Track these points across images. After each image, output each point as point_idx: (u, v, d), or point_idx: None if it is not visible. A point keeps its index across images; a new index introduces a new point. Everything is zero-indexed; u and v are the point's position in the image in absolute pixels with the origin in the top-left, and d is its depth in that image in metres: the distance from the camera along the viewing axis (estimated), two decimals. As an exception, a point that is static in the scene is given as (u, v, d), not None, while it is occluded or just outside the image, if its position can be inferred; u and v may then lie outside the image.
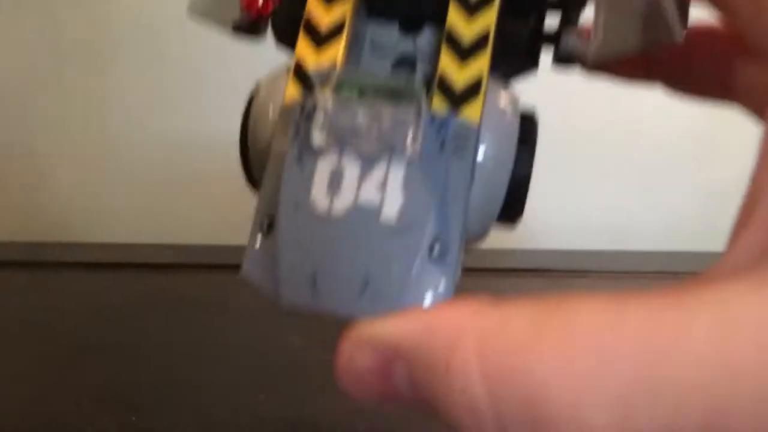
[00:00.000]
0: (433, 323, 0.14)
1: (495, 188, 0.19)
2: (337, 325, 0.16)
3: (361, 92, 0.18)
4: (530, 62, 0.21)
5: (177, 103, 0.49)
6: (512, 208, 0.19)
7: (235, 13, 0.22)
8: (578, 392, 0.11)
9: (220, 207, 0.47)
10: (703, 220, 0.56)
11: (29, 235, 0.47)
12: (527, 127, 0.19)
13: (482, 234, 0.19)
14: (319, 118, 0.18)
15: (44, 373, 0.33)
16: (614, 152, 0.57)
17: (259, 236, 0.18)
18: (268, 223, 0.18)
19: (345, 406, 0.29)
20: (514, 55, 0.20)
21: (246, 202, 0.20)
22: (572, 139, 0.54)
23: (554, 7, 0.21)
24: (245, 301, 0.29)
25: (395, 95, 0.18)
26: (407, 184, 0.17)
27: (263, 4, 0.21)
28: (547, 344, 0.12)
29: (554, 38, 0.20)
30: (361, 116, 0.18)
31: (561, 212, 0.58)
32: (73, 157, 0.49)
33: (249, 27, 0.22)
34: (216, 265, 0.44)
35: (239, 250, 0.18)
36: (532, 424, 0.11)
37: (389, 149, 0.18)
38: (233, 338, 0.36)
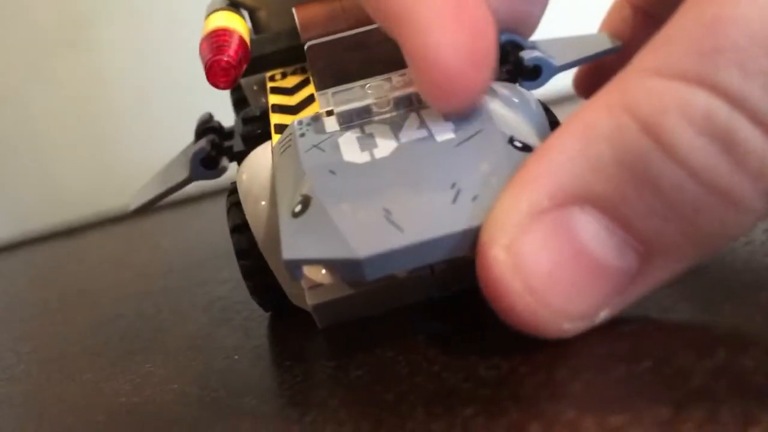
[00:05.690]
0: (589, 118, 0.11)
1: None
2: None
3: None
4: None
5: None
6: None
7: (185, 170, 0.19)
8: None
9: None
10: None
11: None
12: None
13: None
14: (324, 110, 0.16)
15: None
16: None
17: (291, 220, 0.14)
18: (300, 207, 0.14)
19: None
20: None
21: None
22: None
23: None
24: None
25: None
26: (448, 118, 0.15)
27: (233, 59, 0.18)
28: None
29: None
30: (370, 92, 0.17)
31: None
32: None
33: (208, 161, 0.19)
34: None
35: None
36: None
37: (412, 104, 0.16)
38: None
